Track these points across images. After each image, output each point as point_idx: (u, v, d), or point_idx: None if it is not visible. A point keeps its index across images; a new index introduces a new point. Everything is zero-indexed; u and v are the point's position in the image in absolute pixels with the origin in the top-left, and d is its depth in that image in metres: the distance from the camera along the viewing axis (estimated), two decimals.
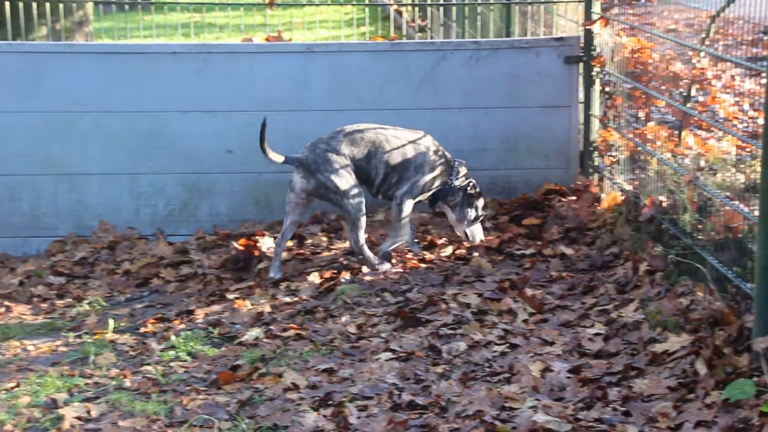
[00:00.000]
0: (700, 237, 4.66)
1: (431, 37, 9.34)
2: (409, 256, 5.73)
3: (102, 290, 5.66)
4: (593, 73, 6.17)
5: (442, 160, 5.66)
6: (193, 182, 6.36)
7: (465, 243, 5.80)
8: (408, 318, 4.89)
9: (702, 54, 4.89)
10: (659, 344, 4.30)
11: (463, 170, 5.71)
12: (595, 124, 6.23)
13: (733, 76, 5.01)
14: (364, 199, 5.54)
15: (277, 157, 5.54)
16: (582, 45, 6.22)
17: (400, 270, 5.50)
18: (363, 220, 5.52)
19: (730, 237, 4.32)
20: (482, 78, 6.27)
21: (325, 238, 6.06)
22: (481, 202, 5.71)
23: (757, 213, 3.87)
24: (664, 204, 5.08)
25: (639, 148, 5.51)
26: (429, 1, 7.74)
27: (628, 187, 5.66)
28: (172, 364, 4.61)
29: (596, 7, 6.02)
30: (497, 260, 5.66)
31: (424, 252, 5.79)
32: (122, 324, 5.15)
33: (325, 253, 5.85)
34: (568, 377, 4.18)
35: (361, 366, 4.43)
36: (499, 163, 6.35)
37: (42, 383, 4.42)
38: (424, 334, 4.72)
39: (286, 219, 5.64)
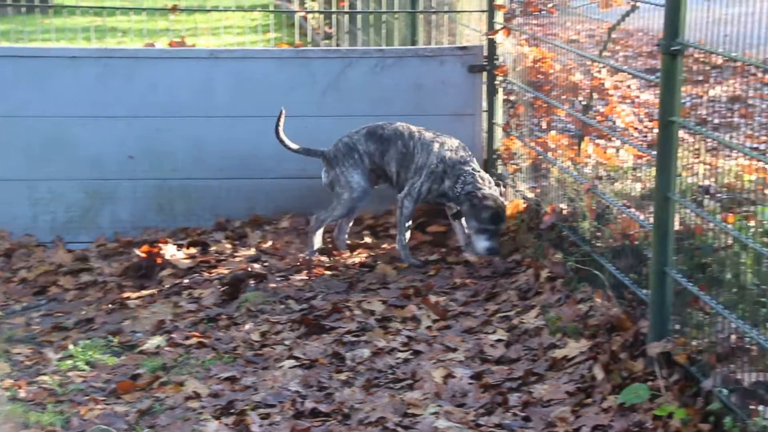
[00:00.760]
0: (598, 244, 4.75)
1: (337, 45, 9.36)
2: (314, 263, 5.72)
3: None
4: (496, 82, 6.25)
5: (447, 165, 5.62)
6: (95, 188, 6.25)
7: (467, 255, 5.74)
8: (312, 325, 4.88)
9: (600, 64, 4.99)
10: (559, 350, 4.37)
11: (479, 179, 5.57)
12: (498, 132, 6.31)
13: (630, 87, 5.12)
14: (360, 201, 5.75)
15: (294, 146, 5.79)
16: (485, 54, 6.29)
17: (305, 277, 5.49)
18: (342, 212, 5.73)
19: (627, 244, 4.41)
20: (387, 86, 6.29)
21: (229, 246, 6.02)
22: (487, 214, 5.51)
23: (652, 220, 3.96)
24: (564, 212, 5.17)
25: (541, 157, 5.59)
26: (334, 9, 7.75)
27: (530, 195, 5.74)
28: (69, 373, 4.52)
29: (499, 17, 6.10)
30: (402, 267, 5.68)
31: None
32: (18, 333, 5.04)
33: (230, 260, 5.80)
34: (470, 383, 4.22)
35: (264, 374, 4.41)
36: None
37: None
38: (328, 342, 4.71)
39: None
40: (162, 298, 5.35)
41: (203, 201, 6.31)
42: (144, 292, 5.49)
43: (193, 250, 5.92)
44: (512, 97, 6.11)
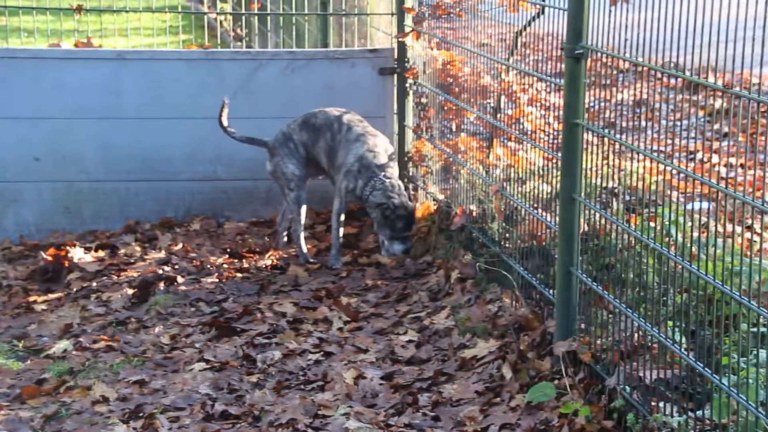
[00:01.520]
0: (507, 245, 4.81)
1: (249, 47, 9.31)
2: (226, 265, 5.68)
3: None
4: (407, 85, 6.29)
5: (362, 166, 5.61)
6: None
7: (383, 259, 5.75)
8: (223, 328, 4.86)
9: (509, 68, 5.05)
10: (468, 350, 4.42)
11: (389, 186, 5.58)
12: (409, 134, 6.35)
13: (538, 90, 5.19)
14: (301, 191, 5.75)
15: (238, 135, 5.82)
16: (396, 57, 6.33)
17: (216, 280, 5.46)
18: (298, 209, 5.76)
19: (535, 245, 4.48)
20: (298, 88, 6.29)
21: (139, 248, 5.95)
22: (400, 224, 5.56)
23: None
24: (474, 213, 5.22)
25: (451, 159, 5.64)
26: (244, 11, 7.71)
27: (441, 197, 5.79)
28: None
29: (408, 20, 6.14)
30: (313, 269, 5.68)
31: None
32: None
33: (140, 263, 5.74)
34: (381, 384, 4.24)
35: (174, 377, 4.38)
36: None
37: None
38: (239, 344, 4.70)
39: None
40: (69, 302, 5.27)
41: (112, 203, 6.24)
42: (51, 296, 5.40)
43: (101, 253, 5.84)
44: (423, 100, 6.15)
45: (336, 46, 7.07)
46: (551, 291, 4.17)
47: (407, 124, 6.35)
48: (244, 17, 8.20)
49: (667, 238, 3.49)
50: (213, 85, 6.22)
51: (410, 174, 6.33)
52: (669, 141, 3.93)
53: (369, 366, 4.42)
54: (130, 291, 5.32)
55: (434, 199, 5.88)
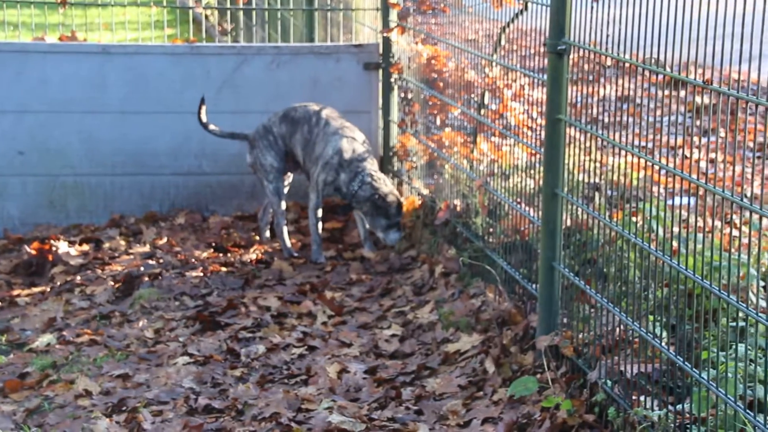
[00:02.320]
0: (491, 240, 4.82)
1: (236, 41, 9.30)
2: (210, 260, 5.68)
3: None
4: (391, 80, 6.30)
5: (343, 159, 5.61)
6: None
7: (365, 252, 5.77)
8: (207, 322, 4.86)
9: (493, 63, 5.06)
10: (452, 344, 4.43)
11: (376, 179, 5.59)
12: (394, 129, 6.36)
13: (522, 86, 5.20)
14: (279, 182, 5.78)
15: (219, 131, 5.86)
16: (381, 52, 6.34)
17: (200, 274, 5.46)
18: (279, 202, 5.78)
19: (518, 240, 4.49)
20: (283, 82, 6.29)
21: (123, 242, 5.95)
22: (393, 210, 5.57)
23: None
24: (458, 208, 5.24)
25: (435, 154, 5.66)
26: (229, 5, 7.71)
27: (426, 192, 5.81)
28: None
29: (393, 15, 6.15)
30: (298, 263, 5.69)
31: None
32: None
33: (124, 257, 5.74)
34: (364, 378, 4.25)
35: (158, 371, 4.38)
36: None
37: None
38: (223, 338, 4.70)
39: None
40: (53, 296, 5.26)
41: (96, 197, 6.23)
42: (34, 290, 5.39)
43: (86, 247, 5.84)
44: (408, 95, 6.16)
45: (321, 41, 7.07)
46: (534, 285, 4.18)
47: (392, 119, 6.36)
48: (230, 11, 8.19)
49: (649, 233, 3.51)
50: (198, 79, 6.21)
51: (395, 169, 6.34)
52: (652, 137, 3.95)
53: (352, 360, 4.43)
54: (115, 285, 5.32)
55: (419, 194, 5.90)
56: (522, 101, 5.12)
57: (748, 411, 2.82)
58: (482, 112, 5.20)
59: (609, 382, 3.46)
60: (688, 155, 5.35)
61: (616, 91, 3.58)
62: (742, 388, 2.90)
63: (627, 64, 3.52)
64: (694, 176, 3.09)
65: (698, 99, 3.13)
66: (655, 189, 4.07)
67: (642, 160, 3.43)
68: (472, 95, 5.36)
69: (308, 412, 3.94)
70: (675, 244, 3.47)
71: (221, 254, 5.79)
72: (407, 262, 5.59)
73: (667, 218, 3.63)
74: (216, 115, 6.07)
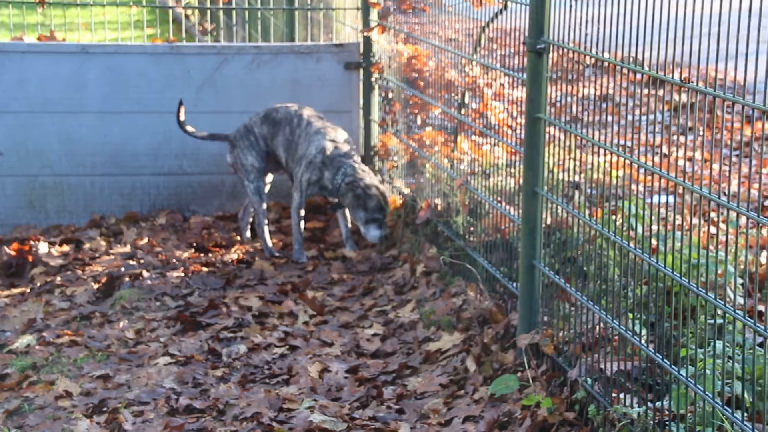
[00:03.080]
0: (471, 239, 4.83)
1: (216, 41, 9.28)
2: (191, 260, 5.67)
3: None
4: (372, 79, 6.30)
5: (326, 157, 5.62)
6: None
7: (346, 251, 5.78)
8: (188, 322, 4.85)
9: (474, 62, 5.07)
10: (433, 343, 4.44)
11: (360, 170, 5.61)
12: (375, 129, 6.36)
13: (503, 85, 5.21)
14: (260, 182, 5.78)
15: (200, 133, 5.87)
16: (361, 51, 6.34)
17: (182, 274, 5.45)
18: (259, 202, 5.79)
19: (499, 239, 4.50)
20: (264, 82, 6.29)
21: (104, 243, 5.93)
22: (373, 203, 5.57)
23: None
24: (438, 207, 5.24)
25: (417, 153, 5.66)
26: (210, 4, 7.69)
27: (407, 191, 5.81)
28: None
29: (374, 15, 6.15)
30: (279, 263, 5.68)
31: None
32: None
33: (104, 258, 5.72)
34: (346, 377, 4.25)
35: (139, 371, 4.37)
36: None
37: None
38: (204, 338, 4.69)
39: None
40: (33, 297, 5.24)
41: (77, 198, 6.21)
42: (14, 291, 5.37)
43: (66, 248, 5.82)
44: (389, 95, 6.17)
45: (302, 41, 7.07)
46: (515, 284, 4.20)
47: (373, 119, 6.37)
48: (210, 11, 8.18)
49: (629, 232, 3.52)
50: (178, 79, 6.20)
51: (376, 168, 6.35)
52: (632, 135, 3.96)
53: (334, 359, 4.43)
54: (95, 285, 5.30)
55: (400, 193, 5.90)
56: (502, 100, 5.13)
57: (726, 408, 2.84)
58: (463, 111, 5.21)
59: (589, 380, 3.48)
60: (668, 153, 5.37)
61: (596, 90, 3.59)
62: (720, 384, 2.91)
63: (606, 63, 3.53)
64: (674, 174, 3.10)
65: (677, 97, 3.14)
66: (634, 187, 4.09)
67: (622, 159, 3.44)
68: (453, 94, 5.37)
69: (290, 412, 3.94)
70: (654, 242, 3.49)
71: (202, 254, 5.78)
72: (388, 262, 5.59)
73: (647, 216, 3.64)
74: (196, 115, 6.05)
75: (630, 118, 4.82)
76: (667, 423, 3.09)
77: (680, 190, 3.06)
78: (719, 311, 3.01)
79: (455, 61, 5.38)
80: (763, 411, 2.93)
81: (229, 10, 8.98)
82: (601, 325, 3.51)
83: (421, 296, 4.97)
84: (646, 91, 3.98)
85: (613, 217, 3.69)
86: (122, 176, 6.24)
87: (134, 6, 6.64)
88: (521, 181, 4.08)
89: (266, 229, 5.80)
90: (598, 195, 3.76)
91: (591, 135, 3.61)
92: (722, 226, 4.40)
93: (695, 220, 3.60)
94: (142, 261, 5.59)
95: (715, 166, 4.43)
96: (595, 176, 3.72)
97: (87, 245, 5.89)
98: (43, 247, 5.71)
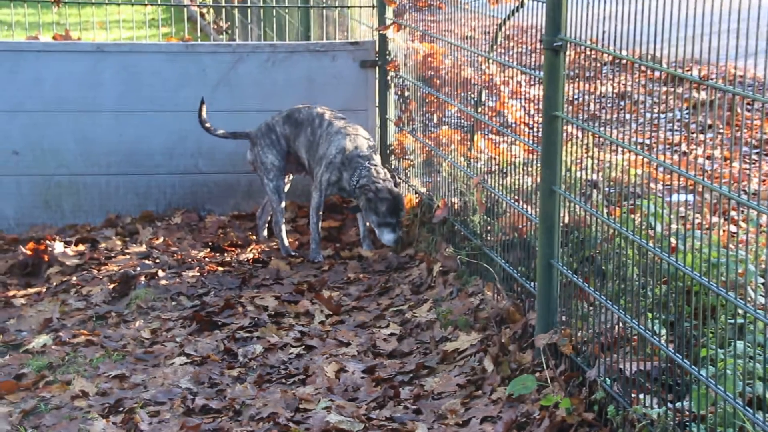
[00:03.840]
0: (489, 238, 4.80)
1: (232, 39, 9.28)
2: (207, 259, 5.67)
3: None
4: (388, 78, 6.27)
5: (345, 158, 5.61)
6: None
7: (362, 250, 5.78)
8: (204, 322, 4.84)
9: (490, 60, 5.04)
10: (450, 343, 4.41)
11: (374, 173, 5.59)
12: (391, 127, 6.34)
13: (520, 83, 5.18)
14: (279, 181, 5.77)
15: (221, 131, 5.87)
16: (377, 50, 6.31)
17: (197, 274, 5.44)
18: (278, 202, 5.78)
19: (516, 238, 4.47)
20: (279, 80, 6.27)
21: (119, 242, 5.93)
22: (384, 207, 5.54)
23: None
24: (455, 206, 5.22)
25: (433, 152, 5.64)
26: (225, 3, 7.69)
27: (423, 190, 5.79)
28: None
29: (389, 12, 6.13)
30: (295, 263, 5.67)
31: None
32: None
33: (120, 257, 5.72)
34: (363, 377, 4.23)
35: (155, 371, 4.36)
36: None
37: None
38: (220, 338, 4.68)
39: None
40: (49, 296, 5.24)
41: (92, 197, 6.21)
42: (30, 291, 5.37)
43: (81, 247, 5.82)
44: (404, 93, 6.14)
45: (318, 39, 7.05)
46: (532, 283, 4.16)
47: (389, 117, 6.34)
48: (225, 9, 8.17)
49: (648, 230, 3.48)
50: (194, 78, 6.20)
51: (392, 167, 6.32)
52: (650, 133, 3.92)
53: (350, 359, 4.41)
54: (111, 285, 5.30)
55: (416, 192, 5.88)
56: (519, 98, 5.10)
57: (747, 408, 2.81)
58: (479, 109, 5.18)
59: (608, 380, 3.44)
60: (687, 152, 5.33)
61: (614, 87, 3.56)
62: (741, 385, 2.88)
63: (624, 61, 3.50)
64: (693, 173, 3.07)
65: (696, 95, 3.11)
66: (653, 186, 4.05)
67: (640, 157, 3.41)
68: (470, 92, 5.34)
69: (306, 412, 3.93)
70: (674, 241, 3.45)
71: (218, 254, 5.77)
72: (405, 261, 5.57)
73: (666, 215, 3.60)
74: (212, 114, 6.04)
75: (648, 115, 4.78)
76: (687, 424, 3.06)
77: (700, 189, 3.03)
78: (740, 311, 2.98)
79: (471, 59, 5.34)
80: None
81: (245, 9, 8.97)
82: (620, 324, 3.48)
83: (438, 296, 4.95)
84: (664, 88, 3.94)
85: (632, 215, 3.65)
86: (138, 175, 6.24)
87: (149, 5, 6.64)
88: (539, 179, 4.05)
89: (284, 228, 5.79)
90: (617, 193, 3.72)
91: (609, 133, 3.57)
92: (742, 224, 4.36)
93: (715, 219, 3.56)
94: (157, 260, 5.59)
95: (735, 164, 4.39)
96: (613, 174, 3.69)
97: (102, 245, 5.89)
98: (58, 247, 5.71)
